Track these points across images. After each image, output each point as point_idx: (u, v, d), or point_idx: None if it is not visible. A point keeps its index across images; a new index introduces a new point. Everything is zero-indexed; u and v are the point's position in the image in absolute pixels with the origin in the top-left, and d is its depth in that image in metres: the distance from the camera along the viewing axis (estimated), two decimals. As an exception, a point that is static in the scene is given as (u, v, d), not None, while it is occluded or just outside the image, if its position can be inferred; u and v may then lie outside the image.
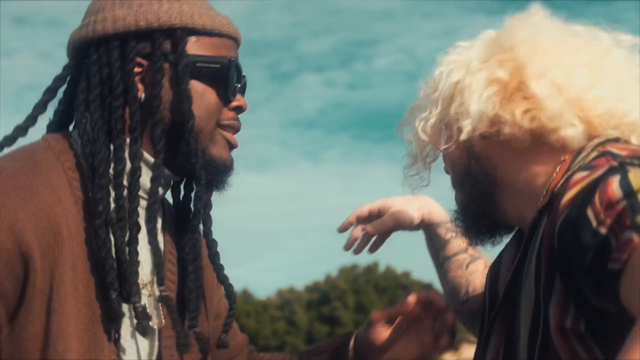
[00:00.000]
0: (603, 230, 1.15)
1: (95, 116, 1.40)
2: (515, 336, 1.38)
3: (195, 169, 1.43)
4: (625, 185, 1.17)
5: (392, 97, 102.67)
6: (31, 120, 1.50)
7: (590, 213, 1.19)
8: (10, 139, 1.47)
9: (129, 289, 1.36)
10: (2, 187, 1.32)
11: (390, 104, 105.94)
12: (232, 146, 1.54)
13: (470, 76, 1.42)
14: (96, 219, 1.35)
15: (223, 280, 1.58)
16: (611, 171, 1.23)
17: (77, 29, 1.49)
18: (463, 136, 1.41)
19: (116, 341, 1.39)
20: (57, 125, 1.52)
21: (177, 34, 1.43)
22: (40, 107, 1.51)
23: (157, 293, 1.48)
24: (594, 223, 1.17)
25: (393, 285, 58.57)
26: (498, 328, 1.45)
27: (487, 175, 1.46)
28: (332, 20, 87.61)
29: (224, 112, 1.51)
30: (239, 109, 1.54)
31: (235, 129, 1.54)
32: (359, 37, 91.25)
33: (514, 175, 1.45)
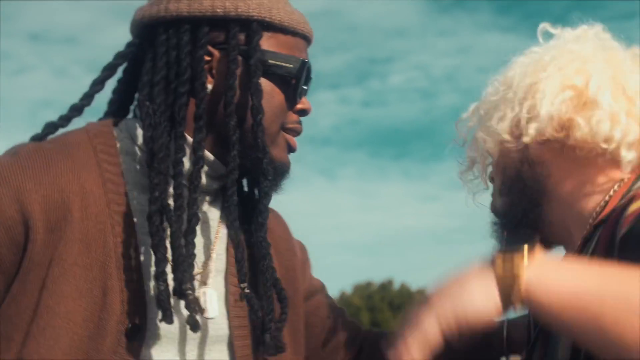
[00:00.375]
0: None
1: (158, 100, 1.32)
2: None
3: (263, 164, 1.34)
4: None
5: (406, 114, 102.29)
6: (87, 99, 1.43)
7: None
8: (65, 119, 1.41)
9: (181, 282, 1.26)
10: (22, 160, 1.27)
11: (405, 121, 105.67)
12: (291, 149, 1.47)
13: (545, 79, 1.37)
14: (151, 205, 1.27)
15: (275, 284, 1.47)
16: None
17: (146, 5, 1.40)
18: (526, 139, 1.36)
19: (134, 331, 1.29)
20: (116, 105, 1.46)
21: (253, 27, 1.35)
22: (97, 85, 1.43)
23: (207, 287, 1.39)
24: None
25: (408, 303, 56.74)
26: (538, 354, 1.39)
27: (538, 182, 1.40)
28: (347, 38, 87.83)
29: (290, 115, 1.43)
30: (304, 112, 1.47)
31: (298, 133, 1.47)
32: (373, 54, 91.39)
33: (567, 187, 1.39)
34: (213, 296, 1.37)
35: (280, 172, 1.41)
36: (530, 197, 1.40)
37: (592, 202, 1.35)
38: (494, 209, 1.48)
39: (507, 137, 1.39)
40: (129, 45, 1.42)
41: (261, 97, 1.33)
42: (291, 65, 1.38)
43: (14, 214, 1.23)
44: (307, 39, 1.46)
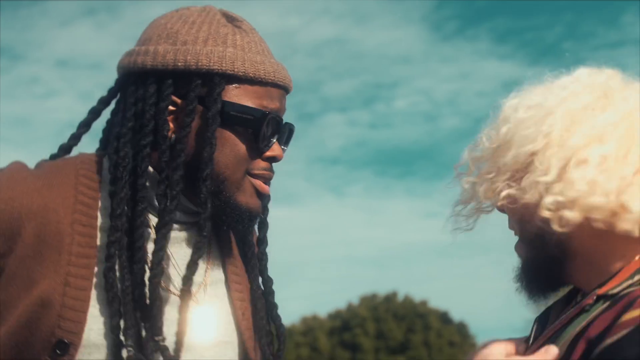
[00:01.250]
0: None
1: (122, 153, 1.33)
2: None
3: (200, 219, 1.34)
4: None
5: (410, 136, 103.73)
6: (74, 139, 1.48)
7: None
8: (52, 158, 1.46)
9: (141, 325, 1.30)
10: (12, 174, 1.34)
11: (409, 142, 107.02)
12: (259, 194, 1.43)
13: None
14: (108, 246, 1.30)
15: (275, 319, 1.49)
16: None
17: (124, 54, 1.43)
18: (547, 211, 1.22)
19: (62, 346, 1.29)
20: (104, 145, 1.48)
21: (215, 80, 1.34)
22: (83, 127, 1.48)
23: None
24: None
25: (411, 313, 58.73)
26: None
27: (560, 243, 1.26)
28: (354, 64, 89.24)
29: (256, 162, 1.40)
30: (273, 159, 1.43)
31: (266, 178, 1.44)
32: (379, 80, 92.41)
33: (590, 249, 1.27)
34: (210, 310, 1.42)
35: (246, 216, 1.40)
36: (552, 255, 1.28)
37: (615, 266, 1.25)
38: (518, 250, 1.37)
39: (495, 199, 1.30)
40: (109, 91, 1.45)
41: (213, 150, 1.32)
42: (251, 117, 1.36)
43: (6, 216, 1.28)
44: (281, 87, 1.42)
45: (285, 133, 1.45)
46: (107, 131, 1.46)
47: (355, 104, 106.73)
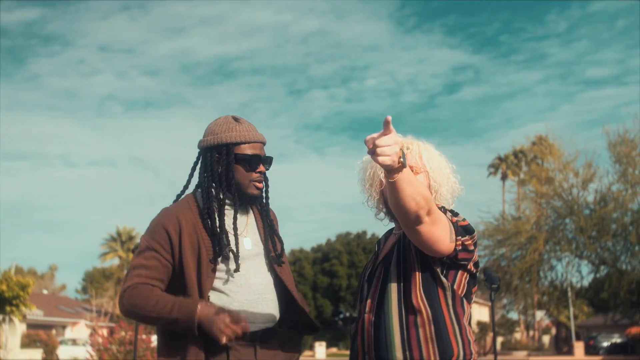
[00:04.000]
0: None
1: (203, 183, 2.54)
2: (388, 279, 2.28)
3: (236, 203, 2.52)
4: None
5: (378, 108, 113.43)
6: (183, 191, 2.62)
7: None
8: (177, 197, 2.61)
9: (223, 248, 2.40)
10: (163, 211, 2.51)
11: (377, 113, 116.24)
12: (257, 189, 2.56)
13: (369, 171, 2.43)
14: (212, 226, 2.44)
15: (279, 239, 2.67)
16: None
17: (201, 139, 2.57)
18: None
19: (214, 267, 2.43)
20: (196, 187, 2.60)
21: (229, 147, 2.50)
22: (186, 187, 2.62)
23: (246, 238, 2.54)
24: None
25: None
26: (379, 273, 2.35)
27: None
28: (335, 51, 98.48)
29: (253, 175, 2.52)
30: (260, 173, 2.55)
31: (258, 184, 2.56)
32: (354, 63, 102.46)
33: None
34: (248, 241, 2.54)
35: (252, 199, 2.58)
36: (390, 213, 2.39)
37: None
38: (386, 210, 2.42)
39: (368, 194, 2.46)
40: (195, 160, 2.60)
41: (233, 176, 2.49)
42: (247, 157, 2.51)
43: (167, 231, 2.44)
44: (260, 142, 2.57)
45: (267, 161, 2.59)
46: (189, 180, 2.61)
47: (335, 83, 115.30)
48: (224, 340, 2.26)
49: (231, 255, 2.44)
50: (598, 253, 22.16)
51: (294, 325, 2.60)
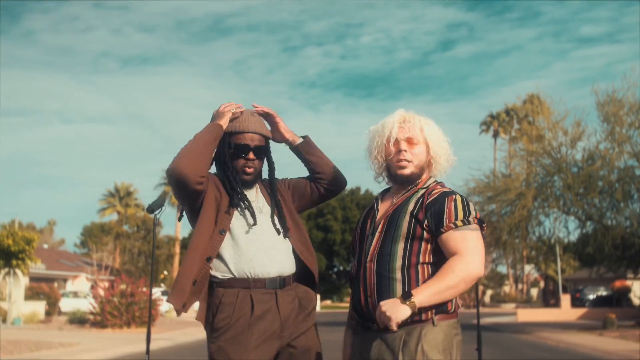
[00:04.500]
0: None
1: (220, 167, 3.02)
2: (392, 234, 2.62)
3: (236, 183, 2.95)
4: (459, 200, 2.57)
5: (373, 65, 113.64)
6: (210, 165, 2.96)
7: (446, 202, 2.53)
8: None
9: (238, 200, 2.92)
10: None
11: (371, 70, 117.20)
12: (247, 174, 2.98)
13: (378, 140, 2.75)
14: (231, 191, 2.93)
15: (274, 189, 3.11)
16: (451, 192, 2.59)
17: None
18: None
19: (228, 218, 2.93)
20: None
21: (228, 136, 2.92)
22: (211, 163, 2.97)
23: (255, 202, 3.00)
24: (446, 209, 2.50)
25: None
26: (380, 229, 2.67)
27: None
28: (330, 8, 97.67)
29: (241, 161, 2.95)
30: (248, 160, 2.95)
31: (246, 167, 2.98)
32: (349, 20, 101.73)
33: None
34: (259, 208, 3.01)
35: (245, 182, 2.99)
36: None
37: (423, 177, 2.73)
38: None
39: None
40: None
41: (229, 159, 2.94)
42: (240, 145, 2.94)
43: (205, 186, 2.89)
44: (254, 132, 2.95)
45: (260, 151, 3.01)
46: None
47: (330, 40, 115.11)
48: (228, 109, 3.01)
49: (247, 212, 2.96)
50: (585, 209, 22.61)
51: (301, 280, 3.04)
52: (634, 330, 20.61)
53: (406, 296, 2.43)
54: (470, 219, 2.55)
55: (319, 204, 3.27)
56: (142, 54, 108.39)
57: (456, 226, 2.53)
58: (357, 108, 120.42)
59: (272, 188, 3.10)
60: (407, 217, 2.61)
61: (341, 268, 64.58)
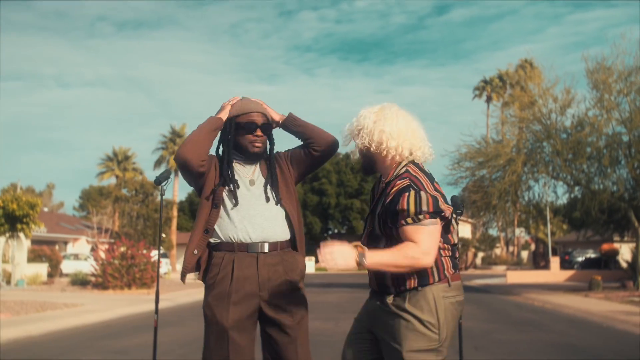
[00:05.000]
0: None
1: (222, 148, 3.38)
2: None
3: (247, 154, 3.34)
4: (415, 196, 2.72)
5: (368, 29, 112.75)
6: (216, 149, 3.41)
7: (402, 198, 2.68)
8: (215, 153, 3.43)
9: (231, 180, 3.28)
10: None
11: (367, 34, 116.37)
12: (254, 149, 3.32)
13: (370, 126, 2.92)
14: (222, 167, 3.30)
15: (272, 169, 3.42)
16: (405, 188, 2.73)
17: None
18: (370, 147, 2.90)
19: (222, 194, 3.31)
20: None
21: (232, 119, 3.30)
22: (217, 146, 3.41)
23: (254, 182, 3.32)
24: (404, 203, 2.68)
25: None
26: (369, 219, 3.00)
27: (372, 157, 2.95)
28: None
29: (250, 137, 3.29)
30: (257, 136, 3.30)
31: (254, 144, 3.33)
32: None
33: (380, 160, 2.92)
34: (253, 182, 3.35)
35: (254, 155, 3.35)
36: (370, 160, 2.98)
37: (390, 169, 2.92)
38: (357, 160, 3.05)
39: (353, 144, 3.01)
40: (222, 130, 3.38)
41: (234, 138, 3.30)
42: (246, 123, 3.29)
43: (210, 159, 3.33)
44: (257, 111, 3.31)
45: (265, 127, 3.34)
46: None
47: (325, 4, 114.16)
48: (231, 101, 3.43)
49: (232, 185, 3.33)
50: (573, 175, 22.94)
51: (294, 246, 3.44)
52: (619, 292, 21.15)
53: (361, 257, 2.71)
54: (421, 217, 2.75)
55: (316, 167, 3.54)
56: (138, 18, 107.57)
57: (407, 223, 2.75)
58: (352, 72, 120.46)
59: (270, 160, 3.43)
60: (377, 218, 2.93)
61: (335, 231, 65.24)
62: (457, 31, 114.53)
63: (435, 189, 2.85)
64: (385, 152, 2.92)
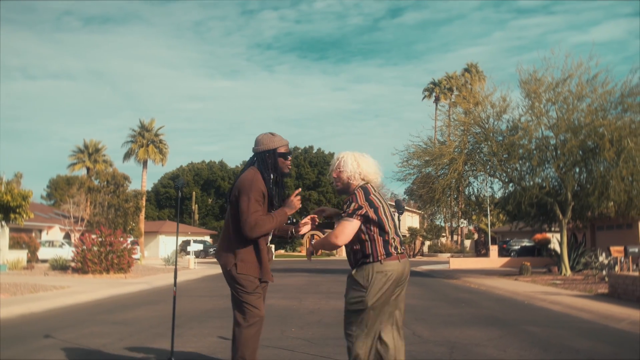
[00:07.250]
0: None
1: (263, 169, 4.41)
2: None
3: (281, 179, 4.56)
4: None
5: (325, 29, 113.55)
6: (246, 167, 4.56)
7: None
8: (243, 169, 4.53)
9: (279, 201, 4.55)
10: (257, 180, 4.37)
11: (325, 34, 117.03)
12: (289, 168, 4.60)
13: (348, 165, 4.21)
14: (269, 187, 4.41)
15: (284, 195, 4.63)
16: (350, 199, 4.16)
17: (255, 146, 4.50)
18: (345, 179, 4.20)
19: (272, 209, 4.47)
20: (248, 166, 4.51)
21: (274, 150, 4.48)
22: (246, 166, 4.58)
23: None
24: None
25: (322, 161, 66.85)
26: None
27: (345, 186, 4.26)
28: None
29: (286, 162, 4.53)
30: (290, 160, 4.57)
31: (287, 167, 4.58)
32: None
33: (346, 187, 4.25)
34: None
35: (285, 174, 4.62)
36: (343, 189, 4.31)
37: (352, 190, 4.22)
38: (337, 188, 4.40)
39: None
40: (251, 158, 4.57)
41: (277, 163, 4.51)
42: (284, 153, 4.53)
43: (262, 191, 4.39)
44: (287, 144, 4.56)
45: (291, 154, 4.68)
46: (249, 164, 4.58)
47: (285, 4, 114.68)
48: (297, 203, 4.51)
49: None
50: (507, 173, 24.59)
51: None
52: (544, 276, 22.97)
53: (313, 241, 4.23)
54: (344, 215, 4.08)
55: None
56: (104, 14, 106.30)
57: (341, 217, 4.11)
58: (310, 70, 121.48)
59: (281, 181, 4.65)
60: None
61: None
62: (410, 33, 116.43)
63: (367, 200, 4.09)
64: (347, 180, 4.29)
